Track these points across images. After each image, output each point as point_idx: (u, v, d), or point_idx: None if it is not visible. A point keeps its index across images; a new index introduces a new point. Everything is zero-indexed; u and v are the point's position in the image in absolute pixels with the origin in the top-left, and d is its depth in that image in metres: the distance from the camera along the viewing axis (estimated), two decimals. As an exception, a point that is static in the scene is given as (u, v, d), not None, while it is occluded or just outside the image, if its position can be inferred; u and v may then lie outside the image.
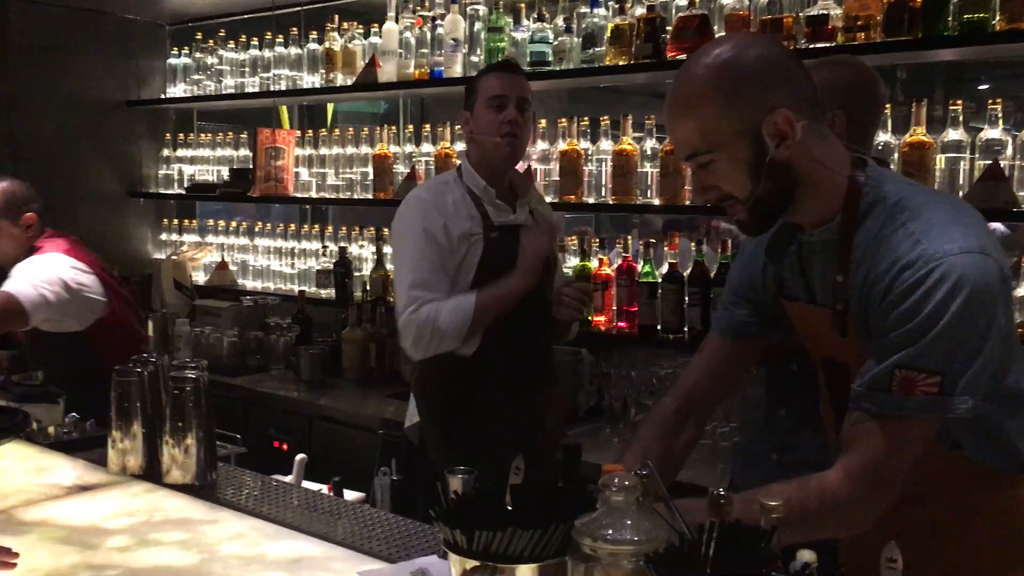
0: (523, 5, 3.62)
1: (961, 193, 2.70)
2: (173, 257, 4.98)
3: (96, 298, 3.14)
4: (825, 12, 2.83)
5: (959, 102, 2.75)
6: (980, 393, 1.43)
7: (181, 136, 5.14)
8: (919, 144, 2.73)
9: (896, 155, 2.80)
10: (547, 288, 2.59)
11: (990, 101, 2.69)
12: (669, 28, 3.17)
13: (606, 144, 3.41)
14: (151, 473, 2.14)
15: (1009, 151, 2.66)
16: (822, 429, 2.09)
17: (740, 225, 1.59)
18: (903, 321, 1.42)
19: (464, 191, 2.58)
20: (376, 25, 4.11)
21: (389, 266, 4.20)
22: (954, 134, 2.73)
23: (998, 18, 2.56)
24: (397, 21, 3.97)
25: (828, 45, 2.81)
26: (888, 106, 2.87)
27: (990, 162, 2.63)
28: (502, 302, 2.47)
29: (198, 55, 4.92)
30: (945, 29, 2.64)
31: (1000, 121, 2.68)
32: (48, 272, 3.03)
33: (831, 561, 1.70)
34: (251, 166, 4.56)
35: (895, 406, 1.43)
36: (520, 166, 2.98)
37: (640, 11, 3.24)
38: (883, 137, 2.83)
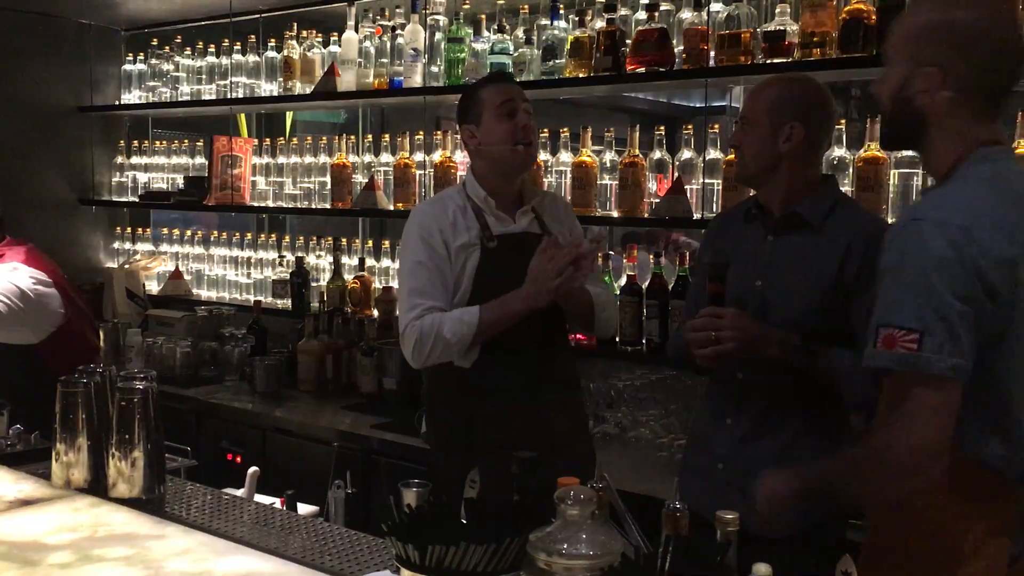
0: (483, 16, 3.62)
1: (914, 208, 2.74)
2: (126, 266, 4.89)
3: (54, 309, 3.08)
4: (782, 28, 2.86)
5: (912, 119, 2.79)
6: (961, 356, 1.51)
7: (135, 143, 5.06)
8: (873, 159, 2.77)
9: (851, 170, 2.83)
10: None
11: (942, 118, 2.72)
12: (629, 42, 3.19)
13: (565, 156, 3.41)
14: (96, 487, 2.08)
15: (961, 167, 2.70)
16: (770, 436, 2.11)
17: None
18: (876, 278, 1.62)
19: (466, 201, 2.55)
20: (335, 34, 4.08)
21: (347, 276, 4.17)
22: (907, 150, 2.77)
23: (950, 36, 2.60)
24: (357, 30, 3.94)
25: (785, 61, 2.83)
26: (843, 122, 2.91)
27: (942, 178, 2.67)
28: (504, 319, 2.42)
29: (154, 61, 4.85)
30: (899, 46, 2.67)
31: (952, 138, 2.72)
32: (5, 282, 2.97)
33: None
34: (207, 174, 4.50)
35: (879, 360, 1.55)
36: None
37: (600, 24, 3.25)
38: (838, 152, 2.86)
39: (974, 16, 1.64)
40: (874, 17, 2.70)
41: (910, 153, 2.76)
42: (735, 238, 2.28)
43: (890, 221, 2.56)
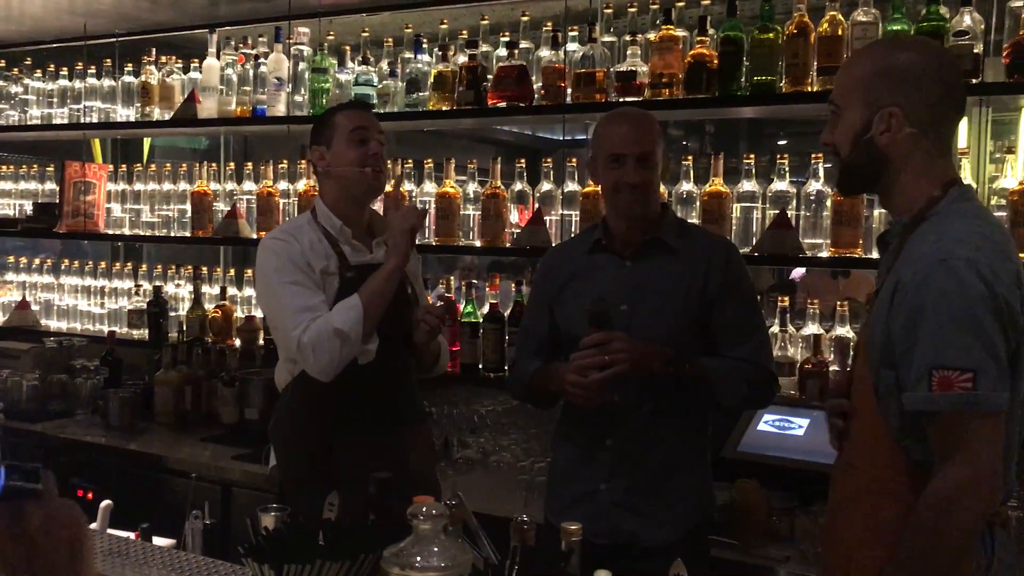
0: (348, 48, 3.66)
1: (754, 240, 2.93)
2: (-33, 296, 4.65)
3: None
4: (633, 69, 3.02)
5: (752, 156, 2.99)
6: (1006, 389, 1.56)
7: (-20, 167, 4.84)
8: (717, 194, 2.95)
9: (697, 203, 3.01)
10: (409, 326, 2.50)
11: (779, 156, 2.94)
12: (490, 77, 3.29)
13: (429, 186, 3.47)
14: (-66, 524, 1.98)
15: (795, 202, 2.91)
16: (651, 450, 2.22)
17: (835, 180, 2.06)
18: (912, 320, 1.59)
19: (319, 233, 2.48)
20: (196, 60, 4.03)
21: (208, 305, 4.09)
22: (748, 185, 2.97)
23: (784, 81, 2.81)
24: (218, 57, 3.91)
25: (636, 100, 2.99)
26: (690, 158, 3.10)
27: (778, 212, 2.87)
28: (383, 289, 2.38)
29: (1, 83, 4.66)
30: (738, 89, 2.87)
31: (787, 174, 2.94)
32: None
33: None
34: (58, 200, 4.34)
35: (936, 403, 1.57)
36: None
37: (462, 59, 3.35)
38: (686, 186, 3.03)
39: (921, 56, 1.72)
40: (715, 61, 2.89)
41: (750, 188, 2.96)
42: (584, 268, 2.38)
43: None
